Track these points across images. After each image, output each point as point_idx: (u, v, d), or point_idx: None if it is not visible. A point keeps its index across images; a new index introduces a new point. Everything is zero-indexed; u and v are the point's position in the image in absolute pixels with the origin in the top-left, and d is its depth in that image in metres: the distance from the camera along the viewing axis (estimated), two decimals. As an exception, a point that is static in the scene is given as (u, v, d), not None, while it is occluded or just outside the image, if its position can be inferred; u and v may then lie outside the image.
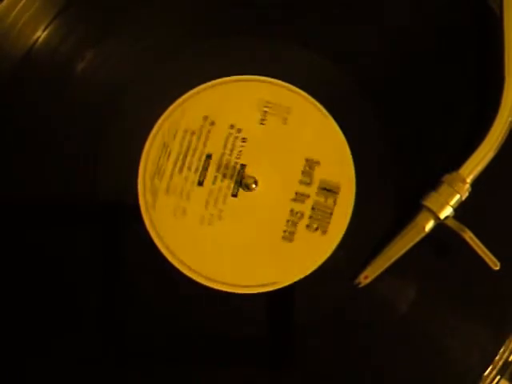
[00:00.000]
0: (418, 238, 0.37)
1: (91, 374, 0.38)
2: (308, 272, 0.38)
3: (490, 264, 0.36)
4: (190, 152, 0.39)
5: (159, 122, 0.39)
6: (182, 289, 0.38)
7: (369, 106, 0.40)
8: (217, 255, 0.38)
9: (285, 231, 0.39)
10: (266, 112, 0.39)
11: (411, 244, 0.37)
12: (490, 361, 0.38)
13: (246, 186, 0.38)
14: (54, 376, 0.38)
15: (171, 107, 0.40)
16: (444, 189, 0.37)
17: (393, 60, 0.40)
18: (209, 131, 0.39)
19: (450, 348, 0.38)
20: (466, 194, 0.38)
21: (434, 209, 0.37)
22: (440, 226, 0.37)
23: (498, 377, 0.38)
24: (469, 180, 0.38)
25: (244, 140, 0.39)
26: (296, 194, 0.39)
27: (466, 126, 0.39)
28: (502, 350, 0.38)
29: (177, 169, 0.39)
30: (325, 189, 0.39)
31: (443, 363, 0.38)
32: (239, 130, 0.39)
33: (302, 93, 0.40)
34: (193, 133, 0.39)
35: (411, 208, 0.38)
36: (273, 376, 0.38)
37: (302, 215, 0.39)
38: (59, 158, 0.39)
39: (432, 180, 0.38)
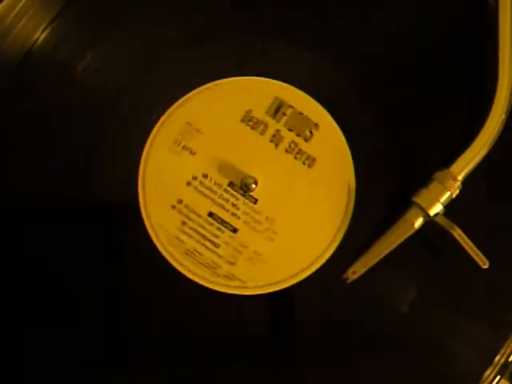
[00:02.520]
0: (407, 235, 0.37)
1: (91, 374, 0.38)
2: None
3: (479, 262, 0.36)
4: (201, 231, 0.39)
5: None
6: (182, 289, 0.38)
7: (369, 106, 0.40)
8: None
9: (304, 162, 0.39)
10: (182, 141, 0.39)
11: (400, 240, 0.37)
12: (490, 361, 0.38)
13: (246, 186, 0.38)
14: (54, 376, 0.38)
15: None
16: (434, 186, 0.37)
17: (393, 60, 0.40)
18: (180, 211, 0.39)
19: (450, 348, 0.38)
20: (457, 192, 0.38)
21: (424, 205, 0.37)
22: (435, 224, 0.37)
23: (498, 377, 0.38)
24: (460, 178, 0.38)
25: (205, 175, 0.39)
26: (270, 139, 0.39)
27: (467, 124, 0.39)
28: (502, 350, 0.38)
29: (208, 249, 0.39)
30: (277, 109, 0.40)
31: (443, 363, 0.38)
32: (205, 175, 0.39)
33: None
34: (184, 223, 0.39)
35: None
36: (273, 376, 0.38)
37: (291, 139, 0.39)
38: (59, 158, 0.39)
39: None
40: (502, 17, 0.39)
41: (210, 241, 0.39)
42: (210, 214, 0.39)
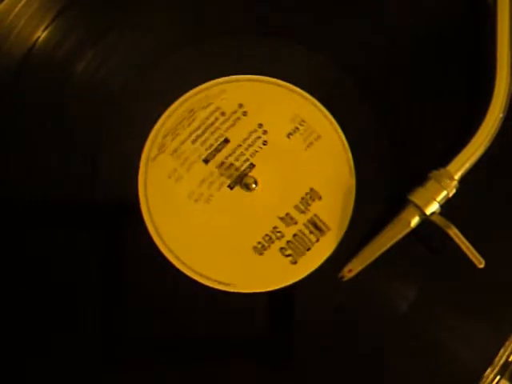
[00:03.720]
0: (403, 233, 0.37)
1: (91, 374, 0.38)
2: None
3: (475, 261, 0.36)
4: (212, 128, 0.39)
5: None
6: (183, 289, 0.38)
7: (369, 106, 0.40)
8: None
9: (259, 243, 0.39)
10: (297, 129, 0.40)
11: (396, 239, 0.37)
12: (490, 361, 0.38)
13: (245, 185, 0.38)
14: (54, 376, 0.38)
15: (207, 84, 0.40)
16: (431, 184, 0.37)
17: (393, 60, 0.40)
18: (238, 118, 0.39)
19: (450, 348, 0.38)
20: (453, 191, 0.38)
21: (420, 204, 0.37)
22: (433, 224, 0.37)
23: (498, 377, 0.38)
24: (456, 177, 0.38)
25: (265, 143, 0.39)
26: (286, 214, 0.39)
27: (465, 123, 0.40)
28: (501, 350, 0.38)
29: (192, 137, 0.39)
30: (314, 224, 0.39)
31: (443, 363, 0.38)
32: (265, 132, 0.39)
33: (334, 122, 0.40)
34: (223, 113, 0.39)
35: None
36: (273, 376, 0.38)
37: (282, 236, 0.39)
38: (59, 158, 0.39)
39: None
40: (500, 16, 0.39)
41: (201, 135, 0.39)
42: (226, 141, 0.39)
